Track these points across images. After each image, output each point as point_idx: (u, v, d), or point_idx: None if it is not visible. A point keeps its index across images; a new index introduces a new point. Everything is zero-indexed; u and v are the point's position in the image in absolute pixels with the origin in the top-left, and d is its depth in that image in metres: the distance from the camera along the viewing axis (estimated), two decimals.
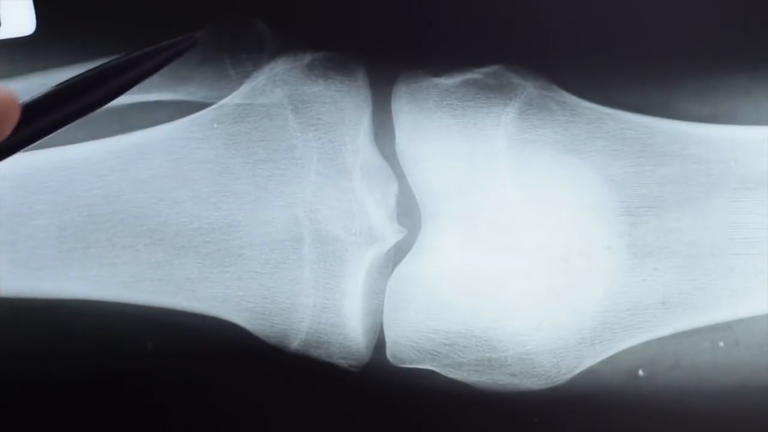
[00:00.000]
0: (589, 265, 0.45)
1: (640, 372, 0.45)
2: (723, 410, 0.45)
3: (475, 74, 0.46)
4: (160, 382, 0.48)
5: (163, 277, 0.48)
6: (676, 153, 0.45)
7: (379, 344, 0.47)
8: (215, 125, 0.47)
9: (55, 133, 0.24)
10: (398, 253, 0.47)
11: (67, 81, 0.25)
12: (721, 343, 0.45)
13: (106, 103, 0.25)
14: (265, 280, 0.47)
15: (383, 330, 0.47)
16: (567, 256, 0.46)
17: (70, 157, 0.48)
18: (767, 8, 0.45)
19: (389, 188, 0.47)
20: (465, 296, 0.46)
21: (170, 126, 0.48)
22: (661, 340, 0.45)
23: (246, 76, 0.47)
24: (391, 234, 0.47)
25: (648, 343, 0.45)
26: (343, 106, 0.47)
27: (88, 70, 0.25)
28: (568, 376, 0.46)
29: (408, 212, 0.47)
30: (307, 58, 0.47)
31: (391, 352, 0.47)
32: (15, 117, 0.22)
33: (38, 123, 0.24)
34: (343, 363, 0.47)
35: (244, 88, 0.47)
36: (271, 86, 0.47)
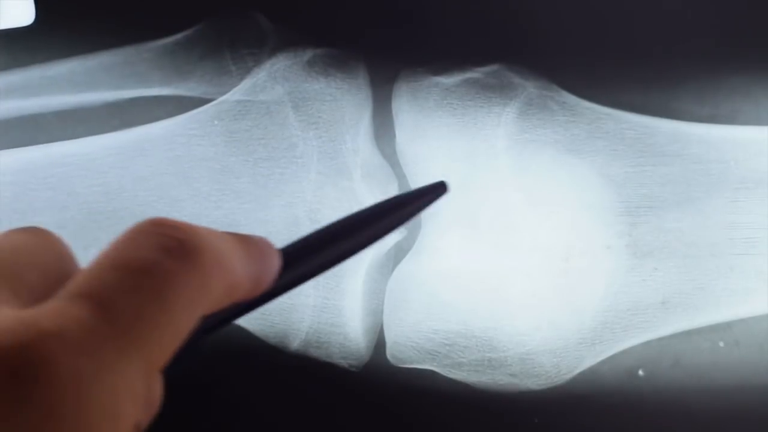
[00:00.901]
0: (589, 265, 0.45)
1: (640, 372, 0.45)
2: (723, 410, 0.45)
3: (475, 73, 0.46)
4: None
5: None
6: (676, 153, 0.45)
7: (379, 344, 0.47)
8: (216, 122, 0.47)
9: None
10: (398, 253, 0.47)
11: (325, 227, 0.24)
12: (721, 343, 0.45)
13: (360, 251, 0.24)
14: None
15: (383, 330, 0.47)
16: (567, 256, 0.45)
17: (69, 153, 0.48)
18: (767, 8, 0.45)
19: (389, 188, 0.47)
20: (465, 296, 0.46)
21: (170, 122, 0.48)
22: (661, 340, 0.45)
23: (247, 71, 0.47)
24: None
25: (648, 343, 0.45)
26: (344, 104, 0.47)
27: (345, 217, 0.24)
28: (568, 376, 0.45)
29: None
30: (308, 54, 0.47)
31: (391, 352, 0.46)
32: (276, 266, 0.22)
33: (297, 270, 0.23)
34: (343, 363, 0.47)
35: (245, 84, 0.47)
36: (271, 83, 0.47)
